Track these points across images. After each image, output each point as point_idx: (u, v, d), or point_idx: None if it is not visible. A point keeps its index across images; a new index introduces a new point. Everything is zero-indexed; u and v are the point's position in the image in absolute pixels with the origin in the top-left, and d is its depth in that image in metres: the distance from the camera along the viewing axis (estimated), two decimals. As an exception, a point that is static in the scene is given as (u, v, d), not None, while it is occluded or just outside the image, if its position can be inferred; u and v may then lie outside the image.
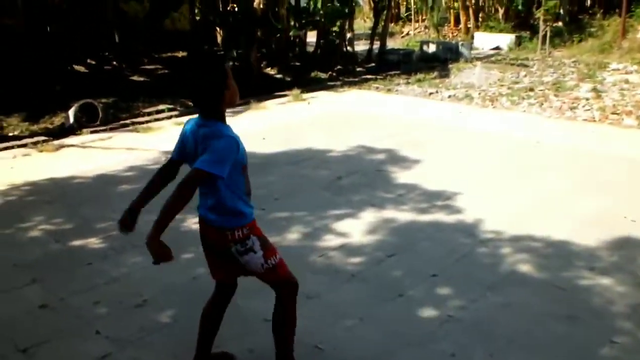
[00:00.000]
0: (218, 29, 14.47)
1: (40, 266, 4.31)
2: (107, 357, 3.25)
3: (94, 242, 4.70)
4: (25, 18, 10.60)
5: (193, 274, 4.13)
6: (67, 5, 11.93)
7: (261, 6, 12.70)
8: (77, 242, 4.70)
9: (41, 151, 7.45)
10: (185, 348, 3.29)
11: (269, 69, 13.32)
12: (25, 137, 8.20)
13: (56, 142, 7.80)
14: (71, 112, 8.58)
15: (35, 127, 8.69)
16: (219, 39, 14.76)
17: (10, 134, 8.39)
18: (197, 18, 14.24)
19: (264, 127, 8.44)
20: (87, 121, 8.66)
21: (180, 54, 14.89)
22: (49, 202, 5.61)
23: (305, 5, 13.86)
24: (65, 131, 8.45)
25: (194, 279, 4.08)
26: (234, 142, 2.55)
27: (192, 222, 5.03)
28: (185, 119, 9.16)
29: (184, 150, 2.74)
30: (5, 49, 10.23)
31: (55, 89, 10.43)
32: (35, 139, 7.99)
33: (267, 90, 11.16)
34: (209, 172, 2.49)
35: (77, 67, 12.25)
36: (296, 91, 10.46)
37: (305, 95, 10.53)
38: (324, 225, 4.95)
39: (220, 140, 2.53)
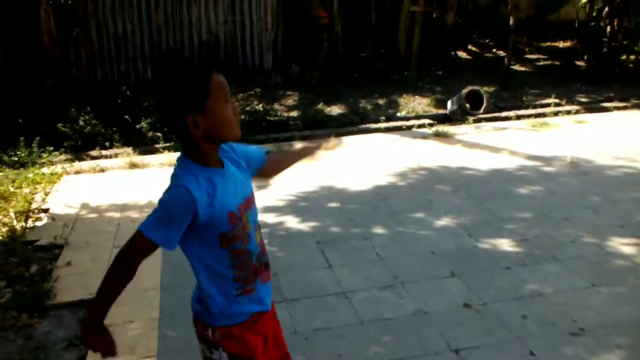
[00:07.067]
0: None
1: (456, 259, 4.19)
2: (548, 387, 2.86)
3: (506, 243, 4.40)
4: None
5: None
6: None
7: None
8: (489, 240, 4.46)
9: (436, 135, 7.57)
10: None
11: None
12: (411, 118, 8.56)
13: (444, 128, 7.84)
14: (456, 98, 8.58)
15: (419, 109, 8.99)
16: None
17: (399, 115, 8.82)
18: (596, 7, 12.80)
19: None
20: (471, 108, 8.56)
21: (562, 44, 13.80)
22: (452, 190, 5.55)
23: None
24: (448, 117, 8.55)
25: (641, 318, 3.41)
26: (184, 196, 1.70)
27: (622, 245, 4.28)
28: (587, 116, 8.38)
29: None
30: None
31: (437, 73, 10.76)
32: (421, 121, 8.28)
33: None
34: (146, 237, 1.71)
35: (460, 53, 12.36)
36: None
37: None
38: None
39: (165, 193, 1.75)
